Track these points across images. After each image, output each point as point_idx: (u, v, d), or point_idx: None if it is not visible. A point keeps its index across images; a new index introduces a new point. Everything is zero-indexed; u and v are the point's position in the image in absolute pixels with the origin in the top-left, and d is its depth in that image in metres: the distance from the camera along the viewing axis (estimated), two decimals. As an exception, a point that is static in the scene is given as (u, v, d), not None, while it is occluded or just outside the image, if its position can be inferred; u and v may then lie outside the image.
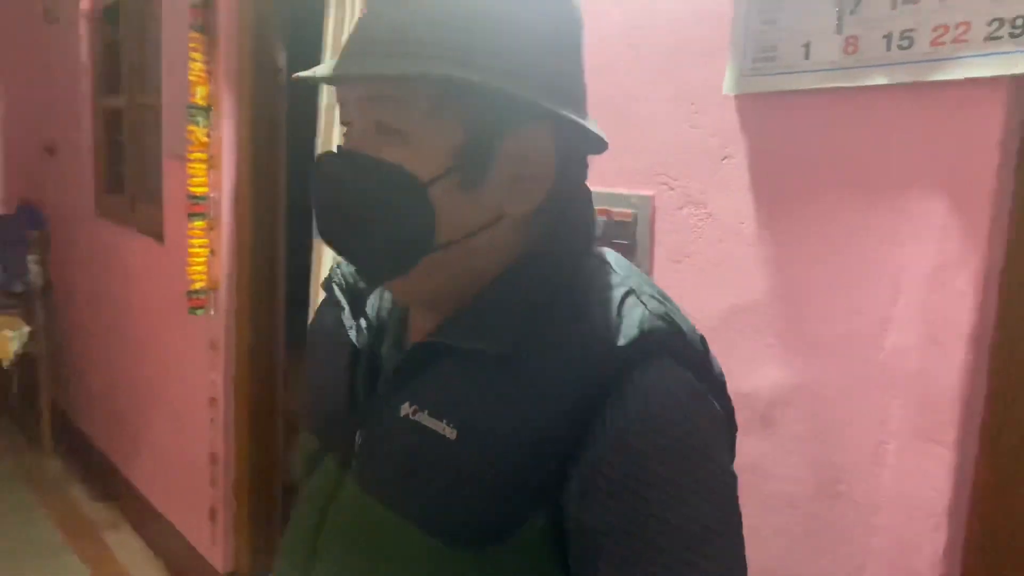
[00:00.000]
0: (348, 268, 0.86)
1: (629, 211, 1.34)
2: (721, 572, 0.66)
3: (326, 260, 1.94)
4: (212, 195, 2.57)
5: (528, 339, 0.70)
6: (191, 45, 2.49)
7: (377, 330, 0.83)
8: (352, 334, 0.82)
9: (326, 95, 1.94)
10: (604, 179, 1.39)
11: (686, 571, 0.65)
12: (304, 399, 0.93)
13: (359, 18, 0.74)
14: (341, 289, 0.85)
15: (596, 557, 0.67)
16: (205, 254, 2.59)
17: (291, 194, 2.62)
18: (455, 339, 0.72)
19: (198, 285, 2.60)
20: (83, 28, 3.55)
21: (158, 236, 2.96)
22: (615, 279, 0.74)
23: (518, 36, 0.70)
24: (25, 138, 4.33)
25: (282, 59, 2.55)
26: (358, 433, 0.78)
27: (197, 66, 2.49)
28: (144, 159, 3.28)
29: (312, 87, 1.99)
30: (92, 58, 3.57)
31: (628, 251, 1.34)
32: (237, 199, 2.56)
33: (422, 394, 0.73)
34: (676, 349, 0.70)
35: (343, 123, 0.75)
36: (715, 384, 0.73)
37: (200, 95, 2.50)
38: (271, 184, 2.57)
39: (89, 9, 3.54)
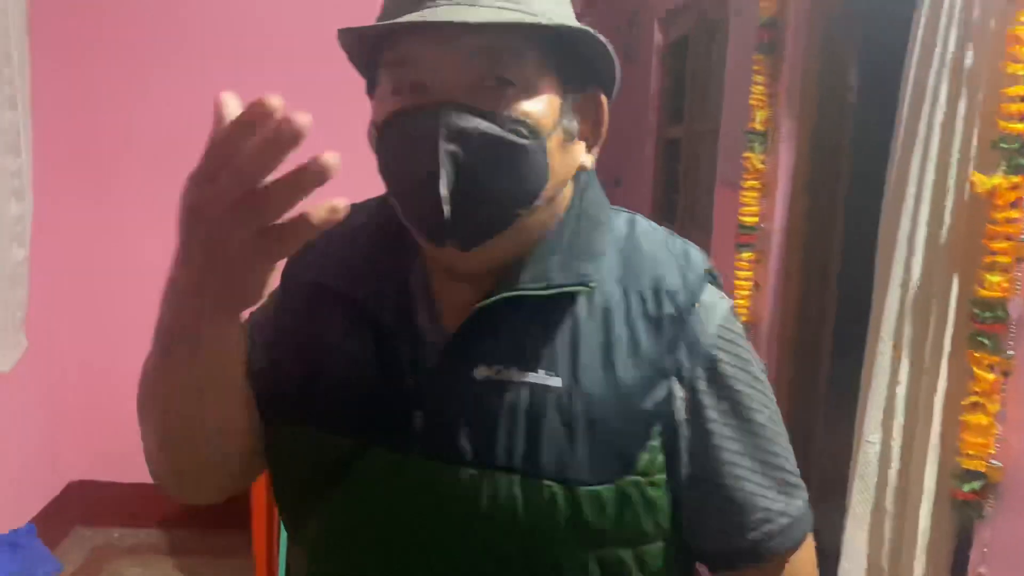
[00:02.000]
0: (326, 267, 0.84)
1: None
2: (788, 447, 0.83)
3: (893, 305, 1.60)
4: (763, 225, 2.41)
5: (604, 277, 0.78)
6: (755, 67, 2.36)
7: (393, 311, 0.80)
8: (388, 317, 0.79)
9: (920, 115, 1.60)
10: None
11: (779, 445, 0.82)
12: (297, 397, 0.82)
13: None
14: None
15: (717, 452, 0.78)
16: (749, 287, 2.44)
17: (847, 229, 2.33)
18: (534, 287, 0.75)
19: (740, 319, 2.45)
20: (654, 63, 3.72)
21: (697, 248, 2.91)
22: (647, 222, 0.86)
23: None
24: (599, 172, 4.74)
25: (853, 77, 2.27)
26: (416, 414, 0.76)
27: (759, 89, 2.35)
28: (697, 187, 3.29)
29: (879, 111, 1.69)
30: (659, 91, 3.72)
31: None
32: (789, 231, 2.35)
33: (499, 353, 0.75)
34: (713, 274, 0.83)
35: (415, 84, 0.72)
36: None
37: (759, 119, 2.35)
38: (827, 216, 2.31)
39: (662, 44, 3.70)
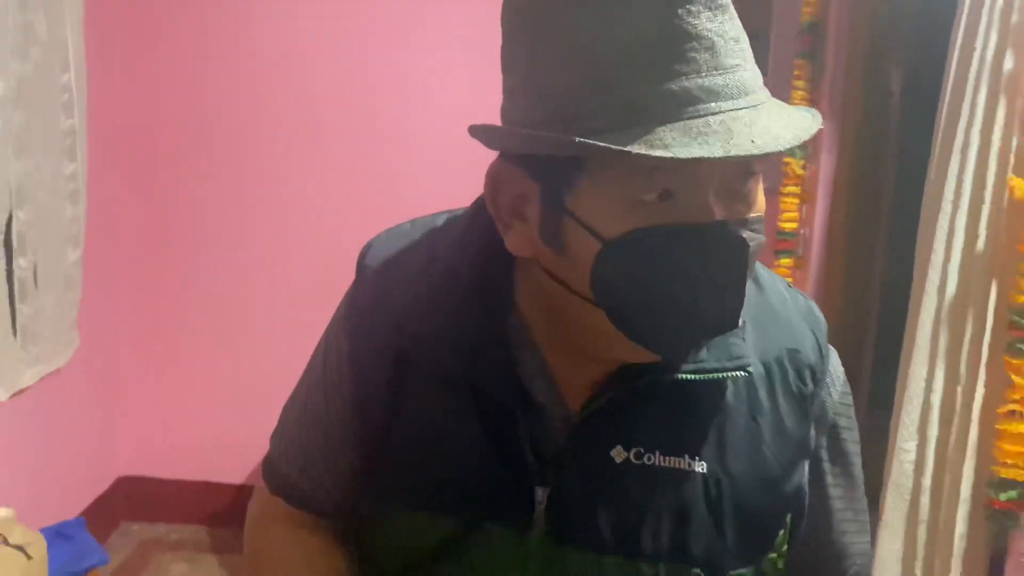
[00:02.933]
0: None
1: None
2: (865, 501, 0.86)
3: (930, 312, 1.59)
4: (802, 232, 2.39)
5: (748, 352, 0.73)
6: (795, 73, 2.35)
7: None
8: (501, 393, 0.73)
9: (959, 120, 1.58)
10: None
11: (864, 503, 0.85)
12: (411, 474, 0.76)
13: (693, 33, 0.59)
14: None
15: (831, 512, 0.81)
16: (788, 294, 2.43)
17: (891, 236, 2.30)
18: (688, 372, 0.70)
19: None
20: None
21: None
22: (766, 271, 0.80)
23: None
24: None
25: (896, 82, 2.25)
26: (538, 492, 0.72)
27: (799, 94, 2.34)
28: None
29: (928, 107, 1.67)
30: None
31: None
32: (830, 237, 2.34)
33: (639, 435, 0.72)
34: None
35: (665, 192, 0.62)
36: None
37: (800, 125, 2.34)
38: (870, 223, 2.29)
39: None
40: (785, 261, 2.43)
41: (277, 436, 0.88)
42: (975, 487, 1.47)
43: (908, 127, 2.18)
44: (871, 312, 2.28)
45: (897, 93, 2.24)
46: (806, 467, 0.77)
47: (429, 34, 3.00)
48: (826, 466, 0.80)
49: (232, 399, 3.19)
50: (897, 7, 2.18)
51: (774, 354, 0.75)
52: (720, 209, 0.62)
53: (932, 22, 1.91)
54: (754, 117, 0.60)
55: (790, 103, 2.31)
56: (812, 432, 0.76)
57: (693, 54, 0.59)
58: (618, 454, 0.72)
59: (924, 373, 1.60)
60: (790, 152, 2.31)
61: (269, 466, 0.88)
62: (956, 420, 1.52)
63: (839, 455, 0.80)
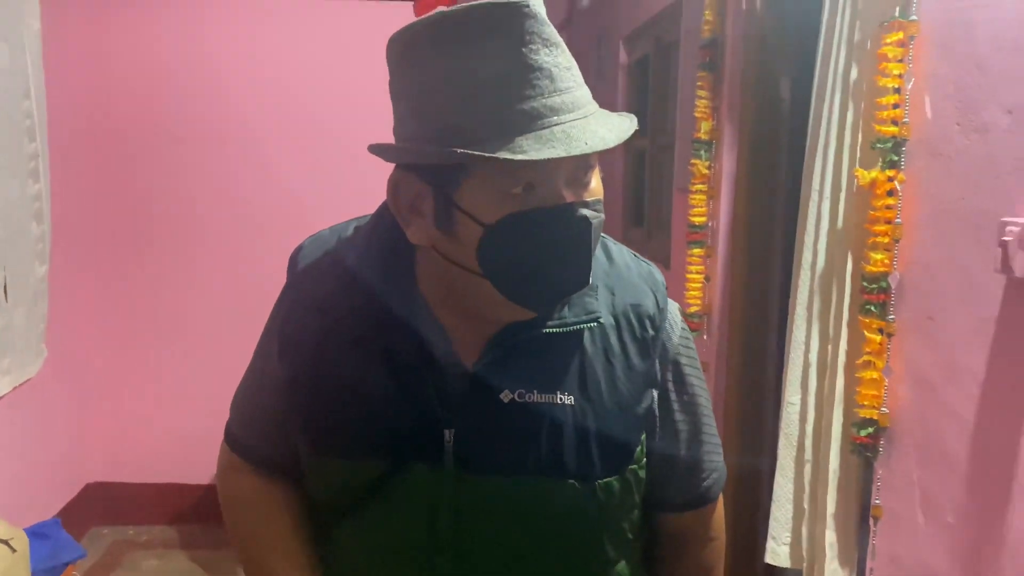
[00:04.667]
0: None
1: None
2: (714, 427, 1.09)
3: (805, 284, 1.88)
4: (710, 224, 2.68)
5: (601, 308, 0.95)
6: (699, 83, 2.65)
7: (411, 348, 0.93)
8: (406, 352, 0.93)
9: (820, 123, 1.87)
10: None
11: (711, 417, 1.07)
12: (338, 428, 0.95)
13: (536, 66, 0.81)
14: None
15: (680, 433, 1.03)
16: (701, 280, 2.71)
17: (785, 226, 2.59)
18: (554, 326, 0.92)
19: (693, 309, 2.72)
20: (620, 80, 4.01)
21: (666, 264, 3.19)
22: (613, 243, 1.03)
23: None
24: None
25: (786, 90, 2.55)
26: (447, 433, 0.92)
27: (703, 103, 2.63)
28: (660, 194, 3.57)
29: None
30: (625, 106, 4.01)
31: None
32: (734, 229, 2.63)
33: (521, 380, 0.92)
34: (665, 285, 1.03)
35: (528, 184, 0.83)
36: None
37: (704, 130, 2.63)
38: (767, 214, 2.58)
39: (626, 63, 3.99)
40: (697, 251, 2.72)
41: (234, 405, 1.11)
42: (844, 428, 1.75)
43: (796, 129, 2.47)
44: (772, 290, 2.57)
45: (787, 99, 2.54)
46: (654, 395, 0.99)
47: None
48: (672, 395, 1.02)
49: (195, 402, 3.33)
50: (783, 25, 2.48)
51: (621, 309, 0.96)
52: (569, 195, 0.84)
53: (811, 37, 2.21)
54: (587, 124, 0.81)
55: (695, 110, 2.61)
56: (657, 367, 0.98)
57: (537, 81, 0.81)
58: (505, 396, 0.92)
59: (803, 336, 1.88)
60: (696, 155, 2.61)
61: (228, 429, 1.11)
62: (828, 373, 1.80)
63: (683, 386, 1.02)
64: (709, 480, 1.08)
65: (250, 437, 1.07)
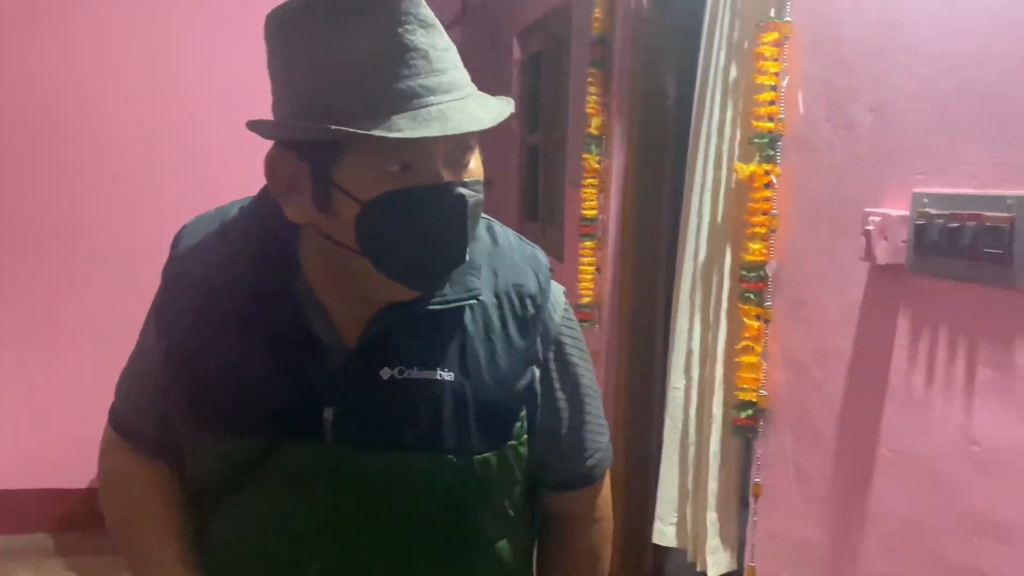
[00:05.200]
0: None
1: (1005, 215, 1.15)
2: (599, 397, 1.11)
3: (688, 274, 1.96)
4: (601, 217, 2.75)
5: (483, 286, 0.96)
6: (589, 79, 2.71)
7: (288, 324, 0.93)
8: (284, 327, 0.92)
9: (703, 119, 1.95)
10: (975, 179, 1.21)
11: (597, 398, 1.09)
12: (218, 407, 0.94)
13: (412, 46, 0.82)
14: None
15: (563, 412, 1.04)
16: (592, 272, 2.78)
17: (672, 219, 2.69)
18: (436, 303, 0.93)
19: (585, 300, 2.79)
20: (515, 75, 4.06)
21: (559, 257, 3.25)
22: (500, 227, 1.04)
23: None
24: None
25: (672, 88, 2.64)
26: (326, 410, 0.91)
27: (593, 99, 2.70)
28: (554, 188, 3.63)
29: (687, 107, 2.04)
30: (520, 101, 4.05)
31: (1004, 262, 1.15)
32: (623, 222, 2.70)
33: (401, 357, 0.92)
34: (550, 267, 1.05)
35: (405, 163, 0.83)
36: None
37: (594, 125, 2.70)
38: (655, 208, 2.67)
39: (520, 58, 4.04)
40: (588, 243, 2.78)
41: (118, 384, 1.09)
42: (725, 411, 1.84)
43: (681, 125, 2.56)
44: (658, 281, 2.66)
45: (672, 97, 2.63)
46: (535, 372, 1.00)
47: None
48: (554, 374, 1.02)
49: (70, 405, 3.18)
50: (669, 24, 2.56)
51: (504, 288, 0.98)
52: (447, 174, 0.85)
53: (695, 37, 2.30)
54: (463, 106, 0.83)
55: (586, 106, 2.67)
56: (539, 346, 0.99)
57: (413, 61, 0.82)
58: (385, 373, 0.92)
59: (686, 324, 1.96)
60: (587, 150, 2.66)
61: (112, 408, 1.09)
62: (709, 359, 1.89)
63: (565, 365, 1.03)
64: (593, 460, 1.08)
65: (131, 416, 1.06)
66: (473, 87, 0.87)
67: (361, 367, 0.92)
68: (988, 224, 1.18)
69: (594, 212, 2.73)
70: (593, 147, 2.71)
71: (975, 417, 1.22)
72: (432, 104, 0.81)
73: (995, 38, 1.19)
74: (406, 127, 0.80)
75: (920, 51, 1.33)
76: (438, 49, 0.84)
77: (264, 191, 0.97)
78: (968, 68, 1.23)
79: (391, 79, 0.81)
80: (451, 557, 0.98)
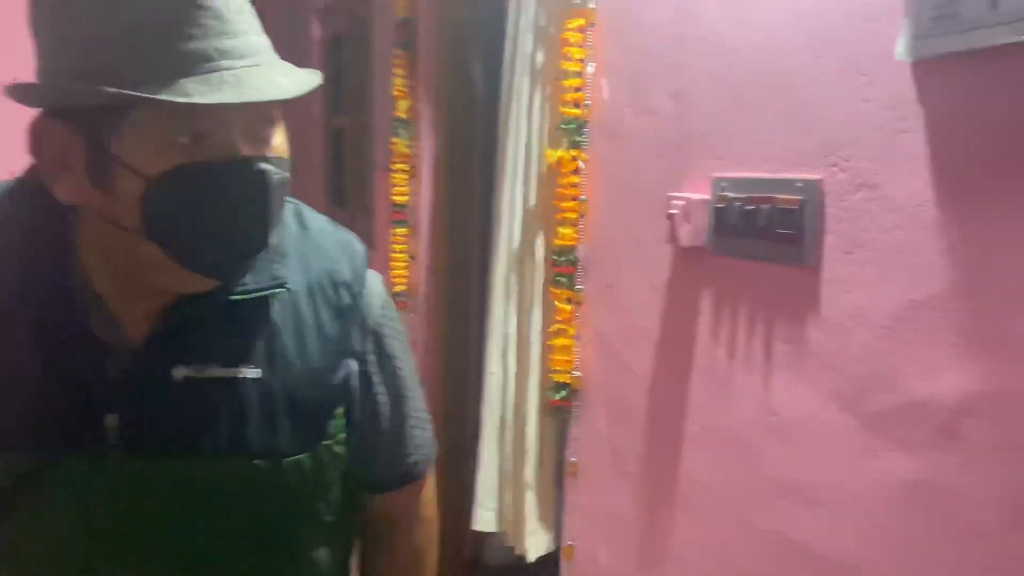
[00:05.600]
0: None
1: (795, 197, 1.23)
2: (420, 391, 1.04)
3: (503, 260, 1.95)
4: (413, 203, 2.70)
5: (290, 275, 0.88)
6: (395, 61, 2.64)
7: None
8: (59, 327, 0.81)
9: (511, 105, 1.95)
10: (768, 164, 1.28)
11: (418, 392, 1.03)
12: None
13: (202, 4, 0.73)
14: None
15: (383, 407, 0.97)
16: (406, 259, 2.73)
17: (483, 205, 2.69)
18: (238, 292, 0.84)
19: (399, 288, 2.73)
20: (315, 56, 3.90)
21: (371, 244, 3.16)
22: (309, 211, 0.96)
23: None
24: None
25: (477, 71, 2.63)
26: (109, 418, 0.81)
27: (399, 81, 2.63)
28: (362, 173, 3.53)
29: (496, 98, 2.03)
30: (322, 83, 3.90)
31: (795, 241, 1.23)
32: (435, 208, 2.67)
33: (198, 353, 0.83)
34: (367, 255, 0.97)
35: (198, 133, 0.74)
36: None
37: (402, 108, 2.64)
38: (467, 192, 2.66)
39: (321, 38, 3.88)
40: (401, 230, 2.72)
41: None
42: (541, 394, 1.86)
43: (492, 110, 2.56)
44: (473, 267, 2.65)
45: (481, 81, 2.62)
46: (351, 365, 0.92)
47: None
48: (373, 367, 0.96)
49: None
50: (475, 7, 2.55)
51: (316, 276, 0.90)
52: (246, 148, 0.77)
53: (502, 20, 2.30)
54: (263, 73, 0.75)
55: (392, 88, 2.60)
56: (356, 337, 0.92)
57: (204, 20, 0.73)
58: (179, 373, 0.83)
59: (501, 310, 1.96)
60: (396, 133, 2.60)
61: None
62: (524, 344, 1.90)
63: (385, 357, 0.97)
64: (416, 456, 1.03)
65: None
66: (275, 55, 0.79)
67: (150, 367, 0.82)
68: (780, 206, 1.25)
69: (406, 198, 2.68)
70: (402, 131, 2.65)
71: (772, 389, 1.29)
72: (227, 68, 0.73)
73: (783, 29, 1.25)
74: (196, 92, 0.71)
75: (716, 40, 1.38)
76: (231, 10, 0.75)
77: (32, 169, 0.84)
78: (760, 58, 1.29)
79: (179, 39, 0.72)
80: (262, 571, 0.90)
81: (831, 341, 1.19)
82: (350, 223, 3.46)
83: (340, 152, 3.85)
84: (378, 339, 0.97)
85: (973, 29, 0.97)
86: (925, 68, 1.05)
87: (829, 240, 1.19)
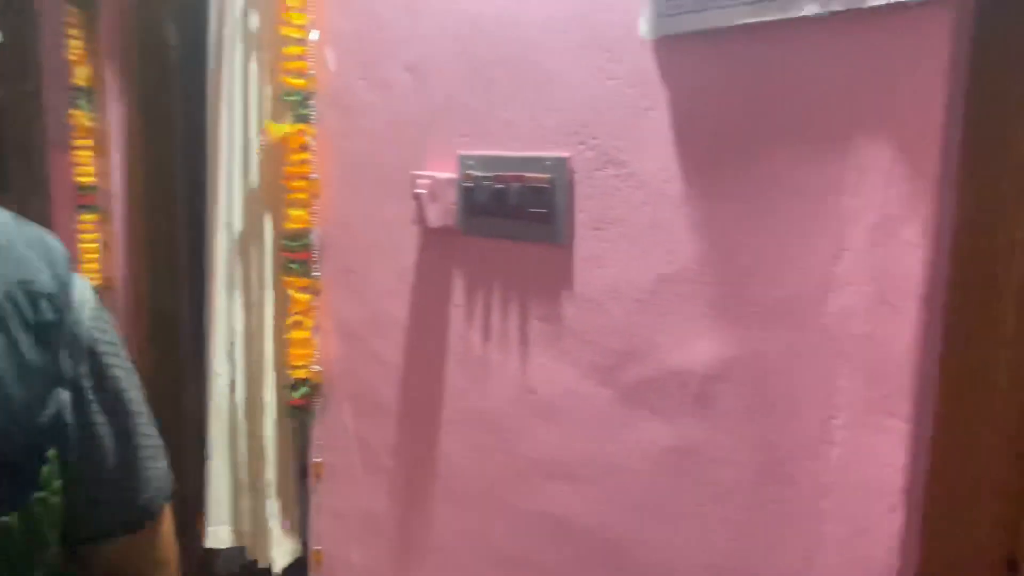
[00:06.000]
0: None
1: (545, 175, 1.21)
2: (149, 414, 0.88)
3: (223, 251, 1.76)
4: (102, 185, 2.35)
5: None
6: (68, 20, 2.27)
7: None
8: None
9: (222, 73, 1.74)
10: (518, 141, 1.25)
11: (146, 416, 0.86)
12: None
13: None
14: None
15: (105, 441, 0.80)
16: (97, 249, 2.37)
17: (187, 182, 2.42)
18: None
19: (92, 283, 2.37)
20: (-42, 11, 3.26)
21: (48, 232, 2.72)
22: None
23: None
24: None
25: (172, 35, 2.34)
26: None
27: (76, 43, 2.27)
28: (29, 151, 3.02)
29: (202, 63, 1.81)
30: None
31: (546, 220, 1.21)
32: (130, 188, 2.35)
33: None
34: (68, 256, 0.80)
35: None
36: None
37: (81, 76, 2.28)
38: (168, 171, 2.37)
39: (-36, -10, 3.25)
40: (88, 216, 2.37)
41: None
42: (278, 393, 1.70)
43: (188, 78, 2.29)
44: (179, 255, 2.38)
45: (175, 47, 2.33)
46: (63, 396, 0.76)
47: None
48: (91, 394, 0.79)
49: None
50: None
51: (4, 289, 0.72)
52: None
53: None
54: None
55: (68, 51, 2.23)
56: (66, 360, 0.76)
57: None
58: None
59: (225, 302, 1.77)
60: (75, 105, 2.24)
61: None
62: (256, 340, 1.73)
63: (104, 380, 0.81)
64: (150, 491, 0.87)
65: None
66: None
67: None
68: (530, 184, 1.23)
69: (92, 179, 2.32)
70: (83, 102, 2.29)
71: (530, 368, 1.28)
72: None
73: (520, 1, 1.22)
74: None
75: (454, 10, 1.32)
76: None
77: None
78: (501, 31, 1.26)
79: None
80: None
81: (587, 317, 1.20)
82: (19, 210, 2.98)
83: (-1, 126, 3.27)
84: (94, 358, 0.78)
85: (713, 8, 1.01)
86: (668, 46, 1.07)
87: (580, 218, 1.19)
